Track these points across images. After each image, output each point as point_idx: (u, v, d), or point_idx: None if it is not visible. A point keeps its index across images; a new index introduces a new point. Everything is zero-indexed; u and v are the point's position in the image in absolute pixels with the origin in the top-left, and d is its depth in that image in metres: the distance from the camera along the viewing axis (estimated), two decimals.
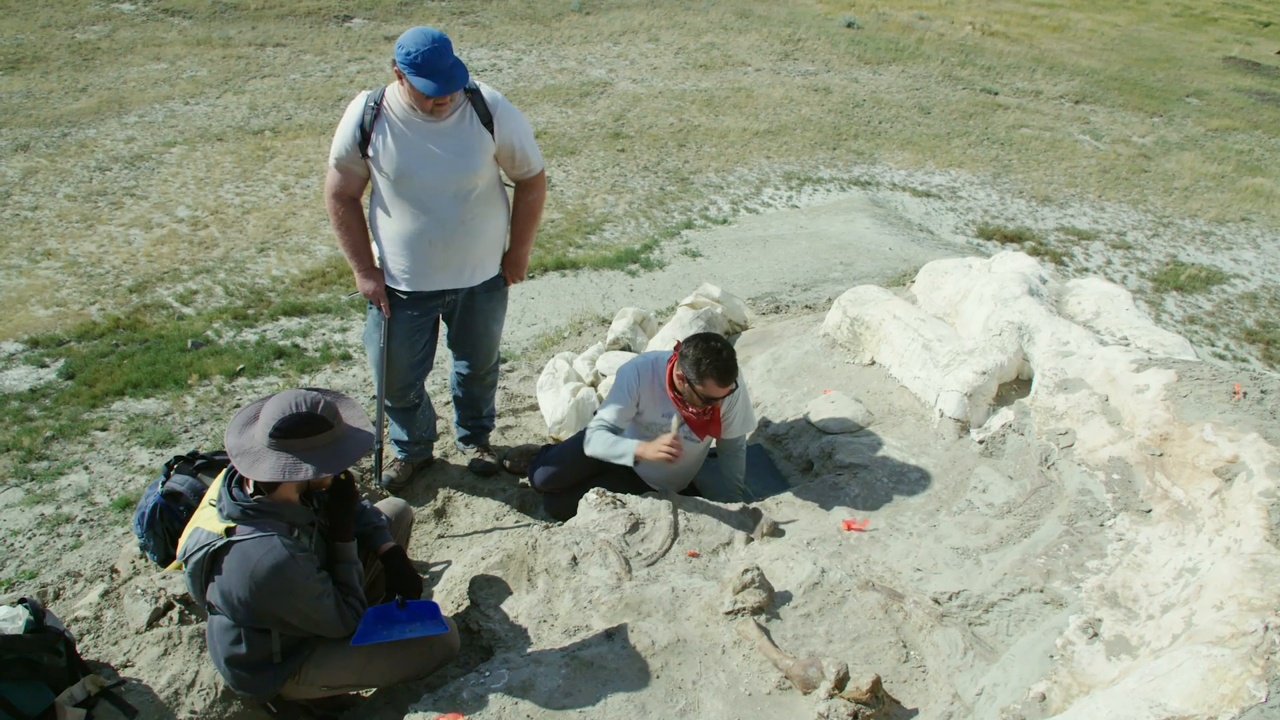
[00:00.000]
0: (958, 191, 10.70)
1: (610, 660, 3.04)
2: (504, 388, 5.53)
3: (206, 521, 2.86)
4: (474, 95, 3.68)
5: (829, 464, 4.28)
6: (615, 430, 3.95)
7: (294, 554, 2.78)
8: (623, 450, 3.82)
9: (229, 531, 2.79)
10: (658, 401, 4.00)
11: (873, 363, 4.88)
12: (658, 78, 13.59)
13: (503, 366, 5.78)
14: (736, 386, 3.82)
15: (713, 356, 3.69)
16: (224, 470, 2.97)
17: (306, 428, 2.78)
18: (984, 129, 12.87)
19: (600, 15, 16.52)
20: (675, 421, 3.81)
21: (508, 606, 3.44)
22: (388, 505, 3.62)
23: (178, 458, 3.72)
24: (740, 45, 15.66)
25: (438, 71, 3.40)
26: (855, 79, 14.53)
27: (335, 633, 2.99)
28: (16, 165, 8.98)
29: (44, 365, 5.86)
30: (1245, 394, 3.39)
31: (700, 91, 13.12)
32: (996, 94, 14.56)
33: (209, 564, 2.82)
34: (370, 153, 3.65)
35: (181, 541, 2.95)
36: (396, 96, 3.57)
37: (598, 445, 3.91)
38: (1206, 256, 9.67)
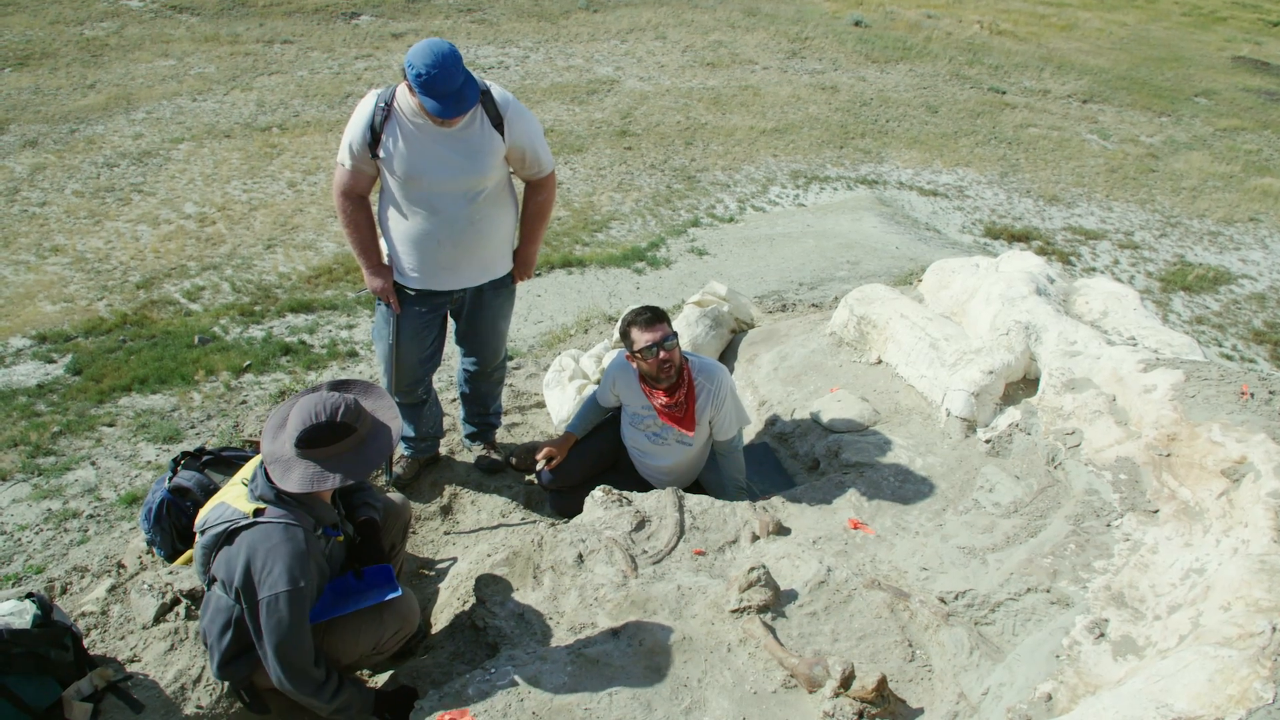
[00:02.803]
0: (965, 190, 10.68)
1: (616, 658, 3.04)
2: (511, 385, 5.53)
3: (235, 500, 2.87)
4: (485, 96, 3.65)
5: (835, 463, 4.27)
6: (598, 403, 4.45)
7: (311, 554, 2.80)
8: (570, 423, 4.53)
9: (257, 512, 2.81)
10: (635, 395, 4.17)
11: (879, 361, 4.87)
12: (665, 76, 13.59)
13: (509, 364, 5.78)
14: (673, 334, 3.95)
15: (631, 310, 4.01)
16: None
17: (329, 436, 2.80)
18: (991, 128, 12.85)
19: (607, 13, 16.51)
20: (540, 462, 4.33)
21: (513, 604, 3.44)
22: (388, 500, 3.61)
23: (185, 453, 3.73)
24: (747, 43, 15.64)
25: (446, 94, 3.37)
26: (863, 77, 14.50)
27: (280, 657, 2.79)
28: (25, 161, 9.02)
29: (51, 361, 5.88)
30: (1253, 395, 3.38)
31: (707, 90, 13.11)
32: (1004, 93, 14.53)
33: (225, 539, 2.83)
34: (380, 153, 3.64)
35: (203, 512, 2.95)
36: (407, 97, 3.56)
37: (578, 406, 4.68)
38: (1214, 257, 9.64)
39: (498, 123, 3.68)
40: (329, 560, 2.99)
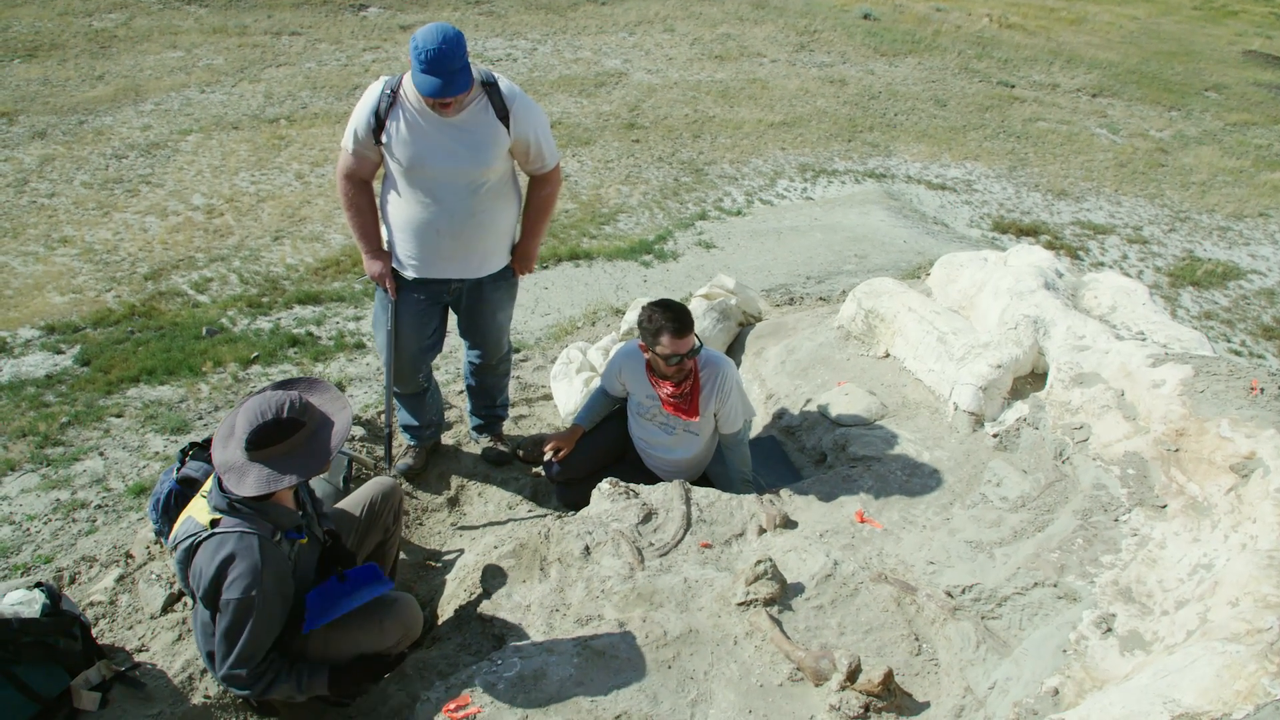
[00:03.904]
0: (973, 184, 10.65)
1: (622, 650, 3.04)
2: (518, 377, 5.54)
3: (198, 513, 2.86)
4: (491, 88, 3.65)
5: (842, 456, 4.27)
6: (605, 394, 4.41)
7: (266, 561, 2.77)
8: (577, 416, 4.49)
9: (214, 523, 2.79)
10: (641, 383, 4.17)
11: (887, 355, 4.86)
12: (673, 68, 13.56)
13: (516, 356, 5.78)
14: (699, 344, 3.93)
15: (663, 310, 3.87)
16: None
17: (279, 434, 2.76)
18: (1000, 122, 12.80)
19: (616, 5, 16.48)
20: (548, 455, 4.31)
21: (520, 596, 3.45)
22: (375, 484, 3.56)
23: (193, 444, 3.72)
24: (756, 36, 15.60)
25: (441, 73, 3.38)
26: (871, 71, 14.46)
27: (243, 659, 2.82)
28: (34, 152, 9.03)
29: (60, 352, 5.89)
30: (1262, 390, 3.37)
31: (715, 82, 13.08)
32: (1013, 87, 14.46)
33: (191, 553, 2.83)
34: (384, 140, 3.64)
35: (174, 529, 2.96)
36: (413, 85, 3.56)
37: (585, 399, 4.65)
38: (1223, 252, 9.60)
39: (503, 114, 3.68)
40: (296, 564, 2.94)
